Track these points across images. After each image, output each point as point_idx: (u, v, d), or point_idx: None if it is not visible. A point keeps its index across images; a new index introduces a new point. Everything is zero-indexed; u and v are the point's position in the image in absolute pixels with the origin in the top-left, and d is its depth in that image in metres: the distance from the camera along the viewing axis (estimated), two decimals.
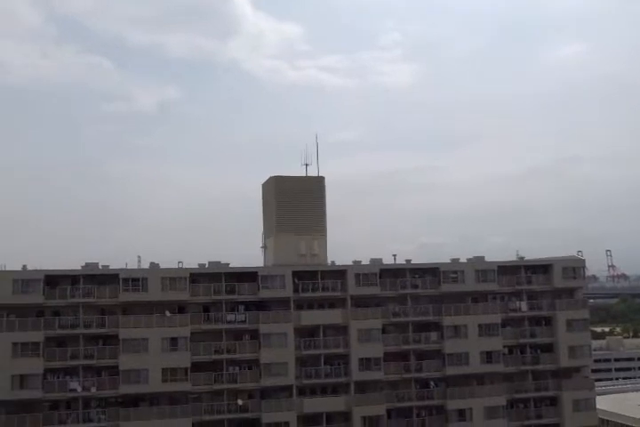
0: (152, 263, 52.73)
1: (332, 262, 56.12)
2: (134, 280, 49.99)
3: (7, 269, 49.99)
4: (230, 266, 52.92)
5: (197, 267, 52.55)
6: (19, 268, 49.98)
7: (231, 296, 51.19)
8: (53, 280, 49.25)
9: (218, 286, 51.34)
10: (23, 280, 48.51)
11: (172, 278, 50.52)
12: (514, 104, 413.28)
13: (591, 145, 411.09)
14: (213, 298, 51.00)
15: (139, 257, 58.00)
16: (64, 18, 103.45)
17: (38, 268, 49.57)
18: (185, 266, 52.48)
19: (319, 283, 52.89)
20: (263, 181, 59.06)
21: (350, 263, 54.61)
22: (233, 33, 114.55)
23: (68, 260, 53.02)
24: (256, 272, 52.11)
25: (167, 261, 52.32)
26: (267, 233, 58.40)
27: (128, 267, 52.50)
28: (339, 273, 53.68)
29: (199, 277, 51.77)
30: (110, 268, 51.31)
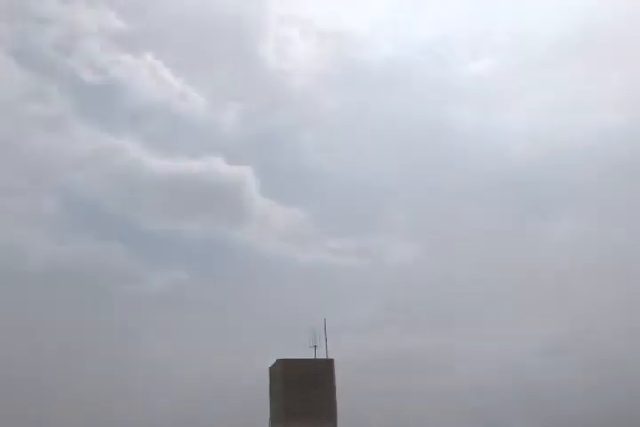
0: None
1: None
2: None
3: None
4: None
5: None
6: None
7: None
8: None
9: None
10: None
11: None
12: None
13: None
14: None
15: None
16: (81, 204, 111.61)
17: None
18: None
19: None
20: (270, 364, 57.45)
21: None
22: (245, 218, 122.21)
23: None
24: None
25: None
26: (274, 419, 55.42)
27: None
28: None
29: None
30: None
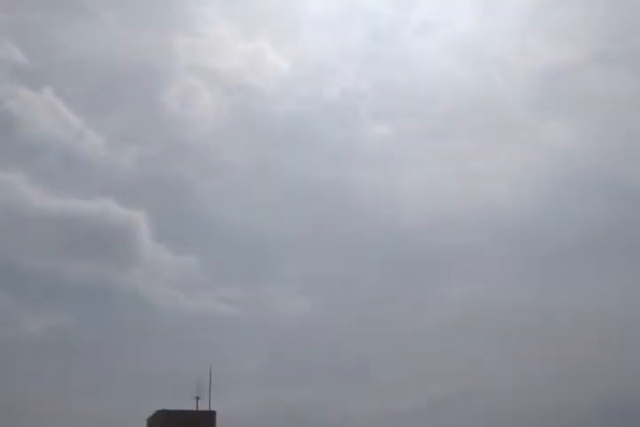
0: None
1: None
2: None
3: None
4: None
5: None
6: None
7: None
8: None
9: None
10: None
11: None
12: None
13: None
14: None
15: None
16: None
17: None
18: None
19: None
20: (149, 416, 54.73)
21: None
22: (133, 262, 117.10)
23: None
24: None
25: None
26: None
27: None
28: None
29: None
30: None
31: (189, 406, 53.71)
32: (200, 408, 53.88)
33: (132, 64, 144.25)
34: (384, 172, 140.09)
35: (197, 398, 53.97)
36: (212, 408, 53.77)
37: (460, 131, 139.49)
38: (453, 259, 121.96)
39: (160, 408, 53.52)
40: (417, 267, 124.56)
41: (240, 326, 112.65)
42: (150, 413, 54.83)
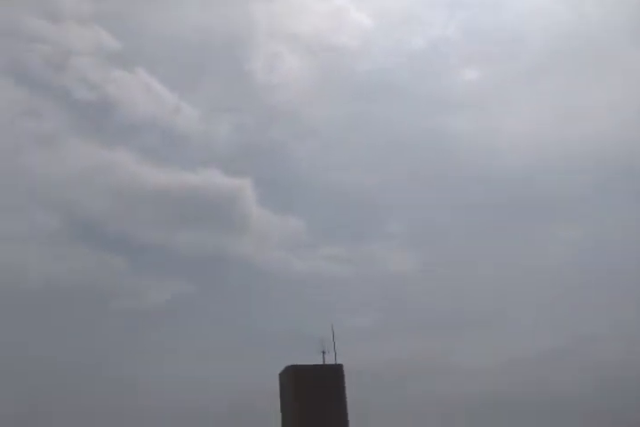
0: None
1: None
2: None
3: None
4: None
5: None
6: None
7: None
8: None
9: None
10: None
11: None
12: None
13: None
14: None
15: None
16: (78, 220, 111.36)
17: None
18: None
19: None
20: (279, 371, 57.64)
21: None
22: (242, 228, 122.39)
23: None
24: None
25: None
26: (285, 425, 55.49)
27: None
28: None
29: None
30: None
31: (316, 361, 56.25)
32: (326, 362, 56.27)
33: (216, 36, 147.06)
34: (479, 117, 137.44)
35: (323, 353, 56.29)
36: (336, 362, 56.15)
37: (555, 69, 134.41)
38: (558, 204, 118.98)
39: (289, 364, 56.19)
40: (520, 213, 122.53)
41: (350, 284, 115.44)
42: (280, 369, 57.63)
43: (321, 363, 56.05)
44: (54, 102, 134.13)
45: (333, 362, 56.02)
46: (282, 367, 57.38)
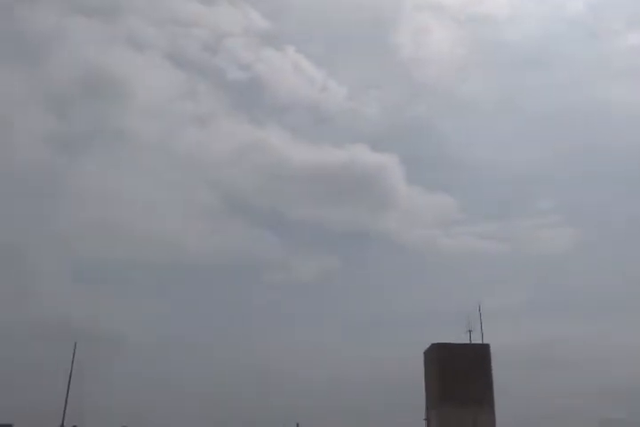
0: None
1: None
2: None
3: None
4: None
5: None
6: None
7: None
8: None
9: None
10: None
11: None
12: None
13: None
14: None
15: (297, 424, 56.68)
16: (232, 196, 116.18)
17: None
18: None
19: None
20: (424, 349, 57.39)
21: None
22: (389, 205, 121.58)
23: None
24: None
25: None
26: (429, 404, 55.36)
27: None
28: None
29: None
30: None
31: (462, 340, 55.37)
32: (472, 342, 55.29)
33: (362, 12, 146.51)
34: None
35: (470, 332, 55.35)
36: (483, 341, 55.00)
37: None
38: None
39: (434, 342, 55.81)
40: None
41: (500, 262, 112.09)
42: (425, 347, 57.40)
43: (467, 342, 55.31)
44: (209, 84, 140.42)
45: (480, 342, 55.07)
46: (426, 345, 57.18)
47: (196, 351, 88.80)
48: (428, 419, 55.15)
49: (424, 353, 57.43)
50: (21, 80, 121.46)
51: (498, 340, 57.45)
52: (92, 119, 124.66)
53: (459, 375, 52.94)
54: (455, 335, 55.58)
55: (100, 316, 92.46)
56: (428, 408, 55.58)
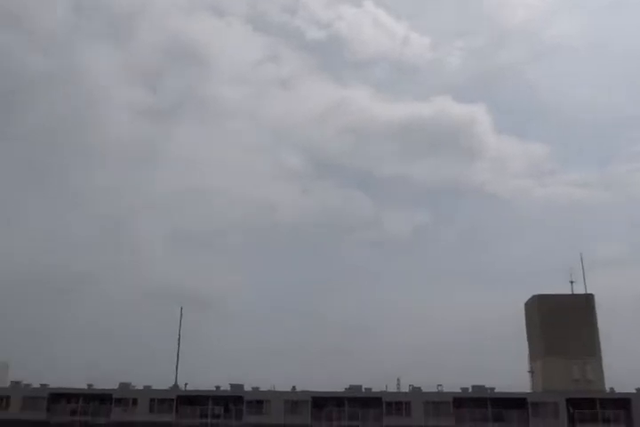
0: (413, 387, 51.80)
1: (612, 389, 50.20)
2: (397, 404, 49.16)
3: (277, 389, 52.49)
4: (496, 391, 49.86)
5: (460, 391, 50.32)
6: (288, 389, 52.07)
7: (500, 424, 47.80)
8: (319, 403, 50.29)
9: (483, 413, 48.40)
10: (292, 401, 50.25)
11: (435, 403, 48.89)
12: None
13: None
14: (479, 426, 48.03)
15: (398, 380, 57.20)
16: (319, 156, 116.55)
17: (306, 389, 51.31)
18: (446, 389, 50.68)
19: (598, 413, 47.42)
20: (525, 300, 56.42)
21: (634, 391, 48.46)
22: (476, 157, 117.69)
23: (331, 381, 54.38)
24: (525, 398, 48.42)
25: (426, 384, 51.09)
26: (533, 356, 54.60)
27: (388, 389, 52.44)
28: (621, 402, 47.76)
29: (463, 402, 49.36)
30: (373, 390, 51.33)
31: (565, 291, 53.96)
32: (575, 292, 53.86)
33: None
34: None
35: (572, 283, 53.87)
36: (587, 292, 53.43)
37: None
38: None
39: (535, 293, 54.76)
40: None
41: (598, 210, 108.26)
42: (525, 298, 56.43)
43: (569, 293, 53.93)
44: (290, 45, 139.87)
45: (583, 292, 53.55)
46: (527, 297, 56.22)
47: (293, 311, 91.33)
48: (532, 371, 54.55)
49: (525, 305, 56.46)
50: (111, 56, 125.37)
51: (602, 290, 55.74)
52: (180, 89, 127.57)
53: (562, 326, 51.89)
54: (557, 288, 54.42)
55: (201, 279, 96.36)
56: (531, 360, 54.93)
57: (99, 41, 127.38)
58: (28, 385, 55.11)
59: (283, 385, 52.58)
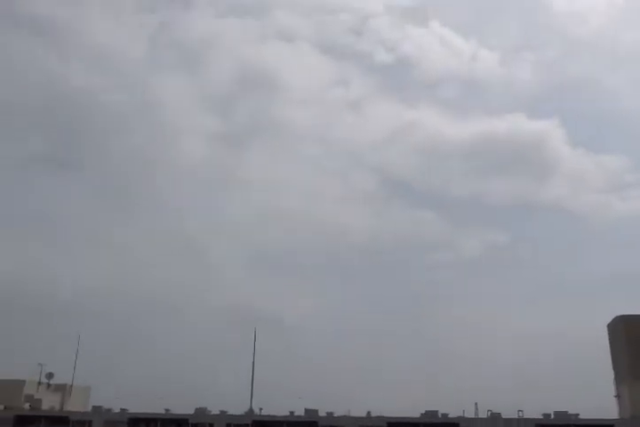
0: (492, 412, 50.06)
1: None
2: None
3: (352, 414, 51.77)
4: (580, 417, 47.59)
5: (542, 417, 48.26)
6: (363, 414, 51.29)
7: None
8: None
9: None
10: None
11: None
12: None
13: None
14: None
15: (476, 404, 55.43)
16: (391, 178, 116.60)
17: (381, 414, 50.37)
18: (527, 415, 48.71)
19: None
20: (607, 321, 53.95)
21: None
22: (551, 172, 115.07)
23: (406, 406, 53.31)
24: (612, 425, 46.01)
25: (506, 409, 49.26)
26: (619, 379, 51.95)
27: (465, 415, 50.89)
28: None
29: None
30: (449, 416, 49.93)
31: None
32: None
33: None
34: None
35: None
36: None
37: None
38: None
39: (618, 314, 52.36)
40: None
41: None
42: (607, 317, 54.06)
43: None
44: (358, 68, 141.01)
45: None
46: (608, 316, 53.84)
47: (366, 333, 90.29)
48: (618, 395, 51.85)
49: (608, 326, 53.92)
50: (184, 86, 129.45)
51: None
52: (252, 114, 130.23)
53: None
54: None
55: (274, 300, 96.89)
56: (617, 383, 52.28)
57: (173, 73, 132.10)
58: (108, 410, 56.40)
59: (358, 410, 51.98)
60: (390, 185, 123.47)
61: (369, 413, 51.39)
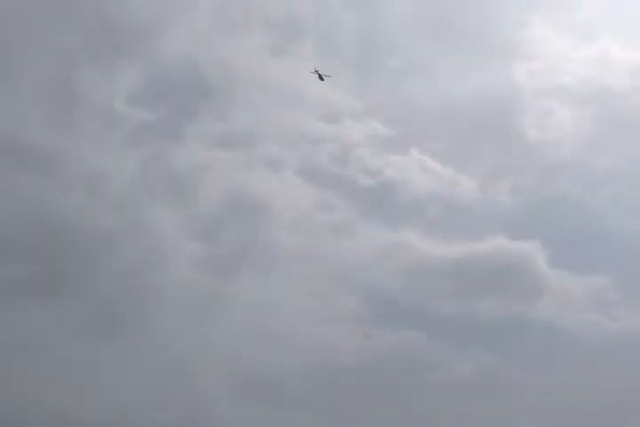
0: None
1: None
2: None
3: None
4: None
5: None
6: None
7: None
8: None
9: None
10: None
11: None
12: None
13: None
14: None
15: None
16: (378, 299, 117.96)
17: None
18: None
19: None
20: None
21: None
22: (539, 292, 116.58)
23: None
24: None
25: None
26: None
27: None
28: None
29: None
30: None
31: None
32: None
33: (483, 103, 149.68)
34: None
35: None
36: None
37: None
38: None
39: None
40: None
41: None
42: None
43: None
44: (342, 193, 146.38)
45: None
46: None
47: None
48: None
49: None
50: (174, 212, 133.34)
51: None
52: (240, 239, 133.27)
53: None
54: None
55: None
56: None
57: (163, 199, 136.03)
58: None
59: None
60: (379, 305, 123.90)
61: None
